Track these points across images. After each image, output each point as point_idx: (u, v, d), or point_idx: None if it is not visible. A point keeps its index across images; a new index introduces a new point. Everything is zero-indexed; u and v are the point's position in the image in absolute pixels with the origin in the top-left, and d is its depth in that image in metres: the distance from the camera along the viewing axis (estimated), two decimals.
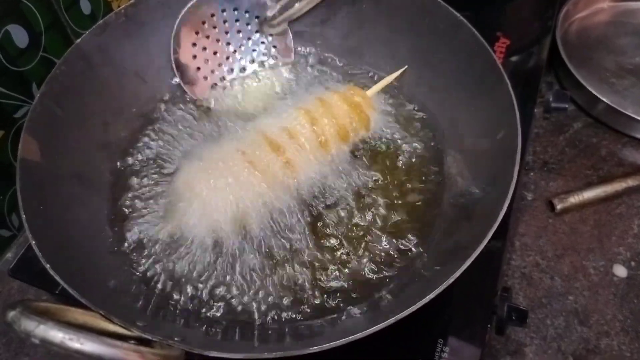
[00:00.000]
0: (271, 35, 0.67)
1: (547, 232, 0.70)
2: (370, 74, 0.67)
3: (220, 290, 0.50)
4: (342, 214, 0.55)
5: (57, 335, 0.31)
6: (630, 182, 0.71)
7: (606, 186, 0.71)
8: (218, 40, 0.66)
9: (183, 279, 0.51)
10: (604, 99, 0.76)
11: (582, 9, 0.90)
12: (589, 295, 0.65)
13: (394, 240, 0.53)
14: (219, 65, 0.67)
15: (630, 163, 0.75)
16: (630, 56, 0.85)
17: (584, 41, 0.87)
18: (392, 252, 0.53)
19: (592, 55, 0.85)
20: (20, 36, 0.61)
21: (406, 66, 0.64)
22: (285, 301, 0.50)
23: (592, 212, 0.71)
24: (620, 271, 0.66)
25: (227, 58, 0.67)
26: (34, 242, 0.43)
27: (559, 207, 0.70)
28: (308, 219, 0.54)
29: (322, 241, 0.54)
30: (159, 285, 0.51)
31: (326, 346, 0.38)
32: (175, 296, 0.50)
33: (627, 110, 0.75)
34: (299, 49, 0.69)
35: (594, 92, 0.76)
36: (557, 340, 0.62)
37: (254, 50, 0.68)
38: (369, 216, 0.55)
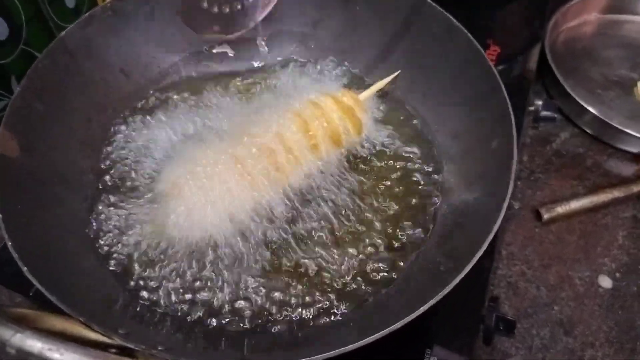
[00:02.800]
0: None
1: (534, 242, 0.69)
2: (363, 78, 0.66)
3: (207, 296, 0.49)
4: (333, 220, 0.54)
5: (35, 345, 0.30)
6: (616, 193, 0.71)
7: (593, 197, 0.71)
8: None
9: (168, 284, 0.49)
10: (591, 110, 0.76)
11: (570, 19, 0.91)
12: (575, 305, 0.65)
13: (385, 250, 0.53)
14: None
15: (616, 174, 0.75)
16: (615, 68, 0.86)
17: (571, 51, 0.88)
18: (382, 262, 0.52)
19: (579, 66, 0.86)
20: (0, 28, 0.59)
21: (399, 70, 0.63)
22: (274, 310, 0.48)
23: (578, 222, 0.71)
24: (606, 282, 0.66)
25: None
26: (10, 243, 0.41)
27: (545, 216, 0.70)
28: (298, 224, 0.53)
29: (312, 249, 0.52)
30: (143, 291, 0.49)
31: (315, 358, 0.38)
32: (160, 301, 0.48)
33: (613, 122, 0.75)
34: (291, 50, 0.68)
35: (581, 102, 0.77)
36: (543, 350, 0.62)
37: None
38: (359, 224, 0.54)
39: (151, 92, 0.64)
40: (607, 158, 0.77)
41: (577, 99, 0.77)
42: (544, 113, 0.74)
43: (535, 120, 0.75)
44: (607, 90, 0.83)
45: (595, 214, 0.72)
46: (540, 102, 0.74)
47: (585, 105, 0.77)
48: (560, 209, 0.70)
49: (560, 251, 0.69)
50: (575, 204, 0.71)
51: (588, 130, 0.79)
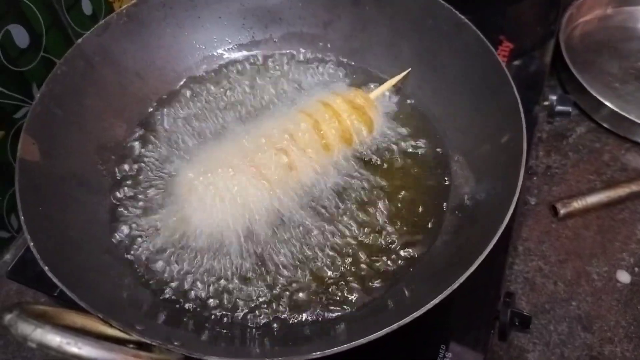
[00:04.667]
0: None
1: (550, 237, 0.69)
2: (373, 77, 0.66)
3: (222, 293, 0.50)
4: (345, 218, 0.54)
5: (54, 339, 0.31)
6: (634, 188, 0.70)
7: (610, 191, 0.71)
8: None
9: (184, 281, 0.50)
10: (608, 104, 0.76)
11: (585, 13, 0.90)
12: (592, 301, 0.64)
13: (397, 245, 0.53)
14: None
15: (634, 168, 0.75)
16: (633, 61, 0.85)
17: (587, 45, 0.87)
18: (395, 257, 0.52)
19: (595, 60, 0.85)
20: (21, 36, 0.61)
21: (409, 68, 0.63)
22: (288, 305, 0.49)
23: (595, 217, 0.70)
24: (624, 277, 0.66)
25: None
26: (32, 243, 0.42)
27: (562, 212, 0.69)
28: (311, 223, 0.54)
29: (325, 245, 0.53)
30: (159, 287, 0.50)
31: (328, 352, 0.38)
32: (175, 298, 0.49)
33: (631, 115, 0.74)
34: (302, 51, 0.69)
35: (598, 97, 0.76)
36: (560, 346, 0.61)
37: None
38: (372, 220, 0.54)
39: (166, 95, 0.65)
40: (624, 152, 0.76)
41: (593, 93, 0.76)
42: (560, 108, 0.73)
43: (550, 115, 0.74)
44: (624, 84, 0.82)
45: (612, 209, 0.71)
46: (555, 97, 0.73)
47: (601, 99, 0.76)
48: (577, 204, 0.70)
49: (578, 246, 0.68)
50: (592, 199, 0.70)
51: (605, 125, 0.78)
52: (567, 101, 0.73)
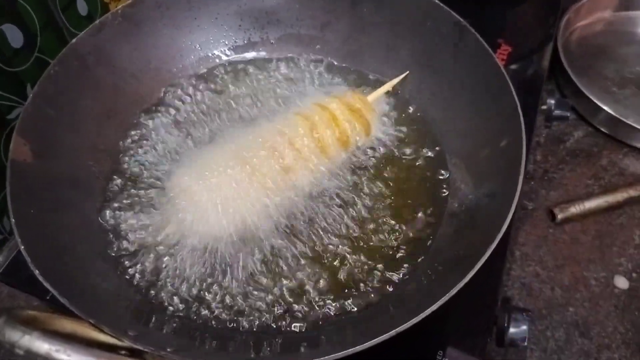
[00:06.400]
0: None
1: (548, 242, 0.69)
2: (371, 79, 0.66)
3: (217, 298, 0.49)
4: (342, 221, 0.54)
5: (42, 346, 0.30)
6: (632, 192, 0.70)
7: (607, 196, 0.70)
8: None
9: (178, 286, 0.50)
10: (605, 108, 0.75)
11: (583, 18, 0.90)
12: (590, 306, 0.64)
13: (395, 250, 0.52)
14: None
15: (632, 173, 0.74)
16: (631, 65, 0.85)
17: (585, 50, 0.87)
18: (392, 262, 0.52)
19: (593, 64, 0.85)
20: (15, 36, 0.60)
21: (408, 71, 0.63)
22: (284, 311, 0.49)
23: (593, 222, 0.70)
24: (621, 282, 0.65)
25: None
26: (22, 246, 0.41)
27: (559, 216, 0.69)
28: (307, 225, 0.53)
29: (322, 249, 0.52)
30: (152, 293, 0.49)
31: (324, 358, 0.37)
32: (169, 303, 0.49)
33: (628, 120, 0.74)
34: (299, 53, 0.68)
35: (595, 101, 0.76)
36: (558, 352, 0.61)
37: None
38: (369, 225, 0.54)
39: (162, 95, 0.64)
40: (622, 157, 0.76)
41: (591, 97, 0.76)
42: (557, 112, 0.73)
43: (548, 120, 0.74)
44: (622, 88, 0.82)
45: (610, 214, 0.71)
46: (553, 101, 0.73)
47: (599, 103, 0.76)
48: (575, 209, 0.69)
49: (575, 251, 0.68)
50: (589, 204, 0.70)
51: (602, 129, 0.78)
52: (565, 105, 0.73)
